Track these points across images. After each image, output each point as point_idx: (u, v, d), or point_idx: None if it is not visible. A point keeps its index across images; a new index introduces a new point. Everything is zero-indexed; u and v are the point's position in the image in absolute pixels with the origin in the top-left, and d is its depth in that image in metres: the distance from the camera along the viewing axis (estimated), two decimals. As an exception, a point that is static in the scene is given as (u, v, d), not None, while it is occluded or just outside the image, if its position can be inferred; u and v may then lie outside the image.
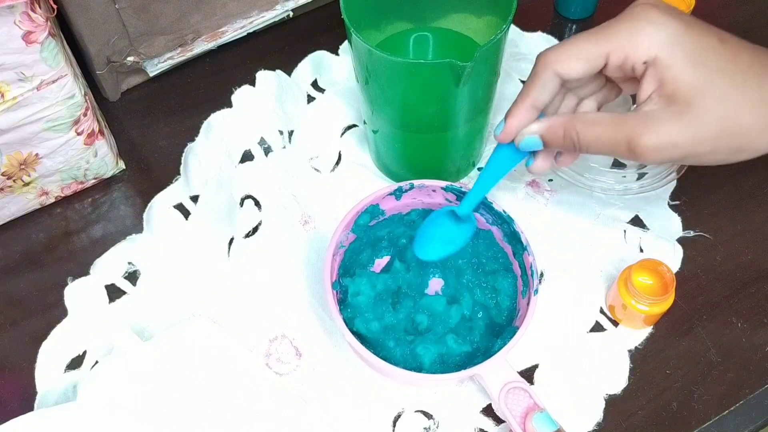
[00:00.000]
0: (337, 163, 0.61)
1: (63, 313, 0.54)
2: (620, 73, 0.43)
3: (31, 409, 0.50)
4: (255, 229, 0.56)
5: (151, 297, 0.54)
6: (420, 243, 0.50)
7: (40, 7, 0.45)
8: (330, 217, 0.57)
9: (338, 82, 0.64)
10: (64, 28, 0.56)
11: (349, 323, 0.49)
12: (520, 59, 0.66)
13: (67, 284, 0.54)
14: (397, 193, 0.51)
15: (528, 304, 0.48)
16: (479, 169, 0.60)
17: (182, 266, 0.55)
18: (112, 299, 0.54)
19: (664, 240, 0.56)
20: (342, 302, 0.51)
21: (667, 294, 0.49)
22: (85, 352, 0.52)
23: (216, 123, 0.59)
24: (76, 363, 0.52)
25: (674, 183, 0.58)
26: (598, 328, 0.53)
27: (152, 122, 0.64)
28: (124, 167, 0.61)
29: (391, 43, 0.56)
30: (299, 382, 0.51)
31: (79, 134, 0.53)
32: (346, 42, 0.63)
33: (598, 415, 0.50)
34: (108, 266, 0.55)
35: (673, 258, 0.55)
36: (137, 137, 0.63)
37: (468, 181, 0.59)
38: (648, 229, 0.57)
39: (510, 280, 0.52)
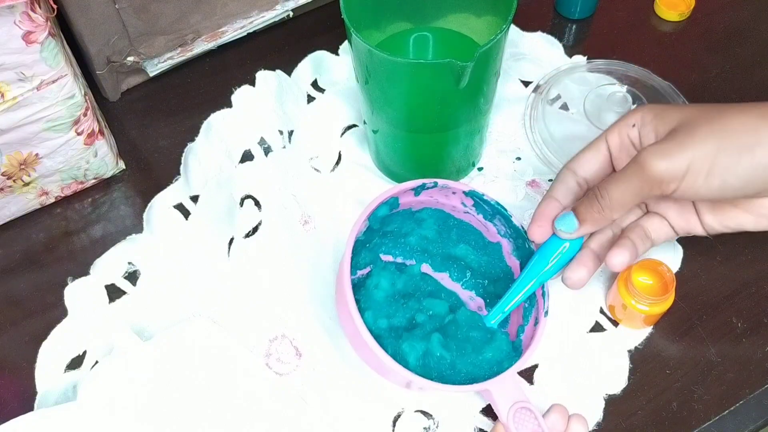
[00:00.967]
0: (337, 163, 0.61)
1: (63, 313, 0.54)
2: (624, 153, 0.47)
3: (31, 409, 0.50)
4: (255, 229, 0.56)
5: (151, 297, 0.54)
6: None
7: (40, 7, 0.45)
8: (330, 217, 0.57)
9: (338, 82, 0.64)
10: (64, 28, 0.56)
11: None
12: (520, 59, 0.66)
13: (67, 284, 0.54)
14: (419, 189, 0.50)
15: (536, 325, 0.47)
16: (479, 169, 0.60)
17: (182, 266, 0.55)
18: (112, 299, 0.54)
19: (664, 240, 0.56)
20: (356, 288, 0.50)
21: (667, 294, 0.49)
22: (85, 352, 0.52)
23: (216, 123, 0.59)
24: (76, 363, 0.52)
25: (674, 183, 0.58)
26: (598, 328, 0.53)
27: (152, 122, 0.64)
28: (124, 167, 0.61)
29: (391, 43, 0.56)
30: (299, 382, 0.51)
31: (79, 134, 0.53)
32: (346, 42, 0.63)
33: (597, 415, 0.50)
34: (108, 266, 0.55)
35: (673, 258, 0.55)
36: (137, 137, 0.63)
37: (469, 181, 0.59)
38: (648, 229, 0.57)
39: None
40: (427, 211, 0.53)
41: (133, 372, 0.48)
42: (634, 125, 0.46)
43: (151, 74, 0.64)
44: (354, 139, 0.61)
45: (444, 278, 0.54)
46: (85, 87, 0.53)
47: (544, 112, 0.61)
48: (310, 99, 0.64)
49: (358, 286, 0.51)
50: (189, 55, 0.64)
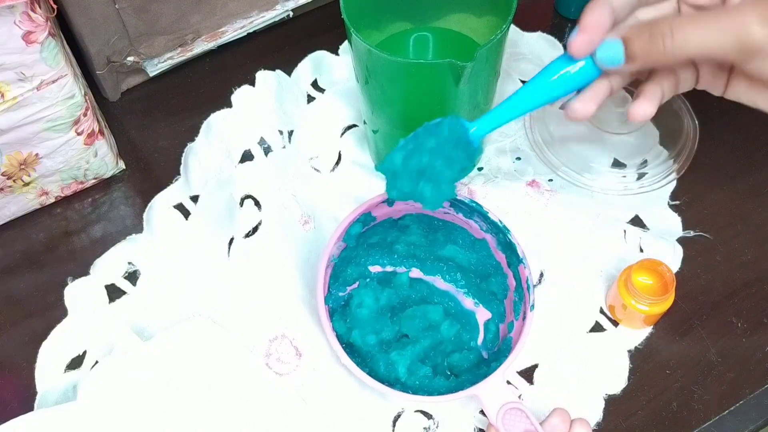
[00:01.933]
0: (337, 163, 0.61)
1: (63, 313, 0.54)
2: None
3: (31, 409, 0.50)
4: (255, 229, 0.56)
5: (151, 297, 0.54)
6: (398, 174, 0.41)
7: (40, 7, 0.45)
8: (330, 217, 0.57)
9: (338, 82, 0.64)
10: (64, 28, 0.56)
11: (346, 334, 0.49)
12: (520, 59, 0.66)
13: (67, 284, 0.55)
14: (390, 201, 0.49)
15: (524, 319, 0.47)
16: (479, 169, 0.60)
17: (182, 266, 0.55)
18: (112, 299, 0.54)
19: (664, 240, 0.56)
20: (342, 309, 0.51)
21: (667, 294, 0.49)
22: (85, 352, 0.52)
23: (216, 123, 0.59)
24: (76, 363, 0.52)
25: (674, 183, 0.58)
26: (598, 328, 0.53)
27: (152, 122, 0.64)
28: (124, 167, 0.61)
29: (391, 43, 0.56)
30: (299, 382, 0.51)
31: (79, 134, 0.53)
32: (346, 42, 0.63)
33: (597, 415, 0.50)
34: (108, 266, 0.55)
35: (673, 258, 0.55)
36: (137, 137, 0.63)
37: (468, 181, 0.59)
38: (648, 229, 0.57)
39: (501, 280, 0.52)
40: (409, 217, 0.53)
41: (133, 372, 0.48)
42: None
43: (151, 74, 0.64)
44: (354, 139, 0.61)
45: (437, 281, 0.54)
46: (85, 87, 0.53)
47: (544, 112, 0.61)
48: (310, 99, 0.64)
49: (344, 306, 0.52)
50: (189, 55, 0.64)
